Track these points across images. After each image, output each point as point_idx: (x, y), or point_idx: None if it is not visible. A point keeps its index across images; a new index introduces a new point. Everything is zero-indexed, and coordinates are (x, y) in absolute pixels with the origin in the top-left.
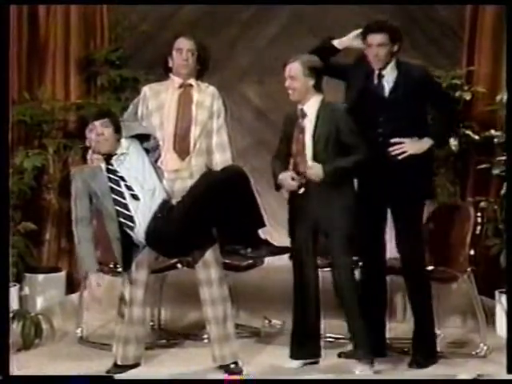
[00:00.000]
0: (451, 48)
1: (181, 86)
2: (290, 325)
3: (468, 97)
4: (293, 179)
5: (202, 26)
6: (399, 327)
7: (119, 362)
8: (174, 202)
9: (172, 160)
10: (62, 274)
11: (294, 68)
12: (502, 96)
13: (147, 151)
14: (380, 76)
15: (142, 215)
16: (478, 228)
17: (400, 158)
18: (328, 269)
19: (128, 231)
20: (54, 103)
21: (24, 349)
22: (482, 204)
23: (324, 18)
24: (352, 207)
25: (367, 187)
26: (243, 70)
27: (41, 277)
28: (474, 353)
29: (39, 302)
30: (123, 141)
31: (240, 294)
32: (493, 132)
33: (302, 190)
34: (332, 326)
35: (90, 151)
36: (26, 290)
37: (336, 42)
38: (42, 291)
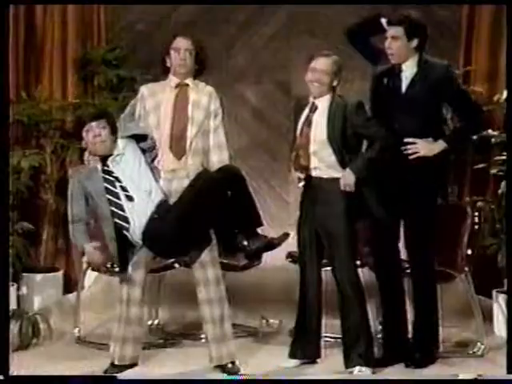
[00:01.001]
0: (448, 48)
1: (177, 86)
2: (287, 324)
3: None
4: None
5: (199, 26)
6: None
7: (116, 362)
8: (170, 202)
9: (168, 160)
10: (60, 273)
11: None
12: (500, 96)
13: (144, 151)
14: (399, 71)
15: (137, 216)
16: (476, 228)
17: (411, 158)
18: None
19: (123, 232)
20: (51, 103)
21: (21, 349)
22: (480, 204)
23: (321, 19)
24: (355, 208)
25: (379, 188)
26: (240, 69)
27: (38, 277)
28: (471, 352)
29: (36, 302)
30: (120, 141)
31: (237, 293)
32: (490, 132)
33: (301, 184)
34: (332, 326)
35: (86, 152)
36: (24, 290)
37: (384, 21)
38: (39, 291)
